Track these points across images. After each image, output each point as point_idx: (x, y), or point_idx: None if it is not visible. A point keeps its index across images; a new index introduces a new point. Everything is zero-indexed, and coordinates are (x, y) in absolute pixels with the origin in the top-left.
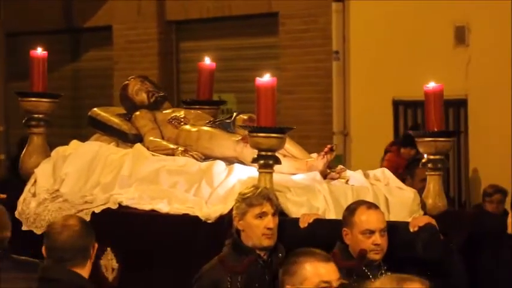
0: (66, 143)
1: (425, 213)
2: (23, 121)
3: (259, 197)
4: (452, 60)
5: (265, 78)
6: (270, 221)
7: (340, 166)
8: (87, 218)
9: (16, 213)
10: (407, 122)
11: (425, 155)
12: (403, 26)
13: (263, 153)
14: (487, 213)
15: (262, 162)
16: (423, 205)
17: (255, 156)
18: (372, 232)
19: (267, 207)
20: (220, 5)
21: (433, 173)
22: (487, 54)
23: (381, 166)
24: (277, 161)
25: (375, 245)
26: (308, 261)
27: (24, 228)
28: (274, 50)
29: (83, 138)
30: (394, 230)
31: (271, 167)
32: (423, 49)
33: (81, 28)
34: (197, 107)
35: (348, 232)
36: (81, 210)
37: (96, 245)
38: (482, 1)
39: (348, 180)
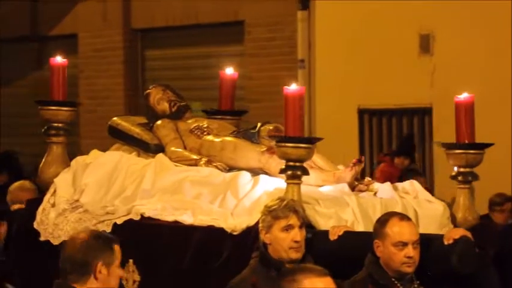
0: (29, 151)
1: (455, 227)
2: (43, 130)
3: (285, 209)
4: (417, 68)
5: (293, 87)
6: (297, 234)
7: (368, 178)
8: (108, 229)
9: (35, 224)
10: (373, 131)
11: (455, 168)
12: (368, 34)
13: (291, 163)
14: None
15: (290, 173)
16: (453, 219)
17: (283, 166)
18: (404, 244)
19: (294, 220)
20: (186, 14)
21: (463, 186)
22: (452, 63)
23: (374, 177)
24: (305, 172)
25: (407, 257)
26: (306, 277)
27: (42, 238)
28: (240, 58)
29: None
30: (427, 242)
31: (299, 178)
32: (388, 58)
33: (47, 36)
34: (219, 117)
35: (379, 244)
36: (102, 221)
37: (100, 264)
38: (446, 10)
39: (376, 193)
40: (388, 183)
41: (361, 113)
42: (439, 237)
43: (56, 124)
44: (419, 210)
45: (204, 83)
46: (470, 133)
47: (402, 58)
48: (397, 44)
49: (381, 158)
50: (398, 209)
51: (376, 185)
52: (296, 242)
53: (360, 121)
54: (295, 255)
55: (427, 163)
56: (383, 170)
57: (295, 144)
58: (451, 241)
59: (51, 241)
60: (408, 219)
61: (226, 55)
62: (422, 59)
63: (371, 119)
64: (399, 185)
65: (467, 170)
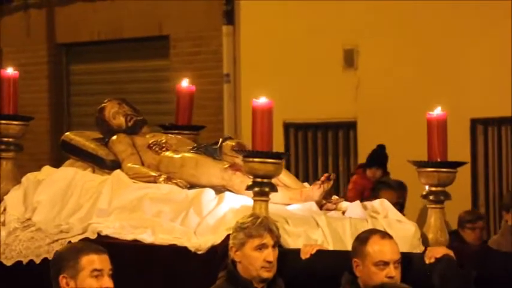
0: None
1: (425, 248)
2: None
3: (259, 227)
4: (341, 83)
5: (262, 100)
6: (270, 254)
7: (335, 197)
8: None
9: None
10: (298, 145)
11: (426, 187)
12: (293, 49)
13: (259, 180)
14: (492, 251)
15: (257, 189)
16: (424, 239)
17: (249, 183)
18: (386, 264)
19: (268, 239)
20: (111, 28)
21: (434, 205)
22: (375, 77)
23: (346, 190)
24: (274, 189)
25: (388, 277)
26: None
27: None
28: (166, 73)
29: None
30: (408, 261)
31: (267, 194)
32: (313, 72)
33: None
34: (176, 131)
35: (358, 263)
36: (56, 240)
37: (62, 276)
38: (370, 25)
39: (344, 212)
40: (357, 202)
41: (287, 127)
42: (420, 256)
43: (6, 139)
44: (389, 230)
45: (130, 97)
46: (443, 151)
47: (327, 73)
48: (322, 59)
49: (353, 171)
50: (366, 228)
51: (344, 204)
52: (269, 262)
53: (285, 135)
54: (266, 274)
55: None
56: (355, 182)
57: (263, 160)
58: (432, 260)
59: (3, 262)
60: (390, 237)
61: (151, 69)
62: (347, 74)
63: (296, 133)
64: (368, 203)
65: (439, 189)
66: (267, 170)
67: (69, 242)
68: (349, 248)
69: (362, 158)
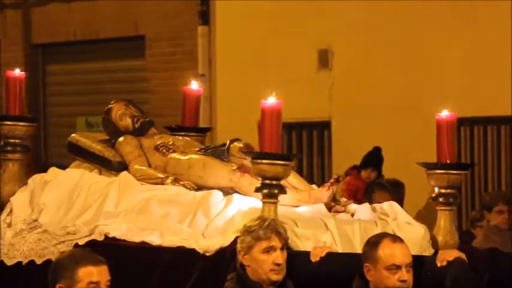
0: None
1: (436, 251)
2: None
3: (267, 230)
4: (316, 83)
5: (271, 101)
6: (279, 256)
7: (344, 199)
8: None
9: None
10: None
11: (436, 189)
12: (268, 49)
13: (267, 181)
14: (500, 253)
15: (266, 191)
16: (434, 242)
17: (258, 185)
18: (398, 267)
19: (275, 242)
20: (87, 29)
21: (444, 208)
22: (350, 77)
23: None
24: (283, 191)
25: (401, 281)
26: None
27: None
28: (142, 73)
29: None
30: (419, 264)
31: (276, 196)
32: (288, 73)
33: None
34: (183, 133)
35: (370, 268)
36: (63, 242)
37: (58, 286)
38: (343, 26)
39: (353, 214)
40: (366, 204)
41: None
42: (432, 259)
43: (12, 140)
44: (399, 233)
45: (106, 98)
46: (452, 153)
47: (301, 73)
48: (296, 59)
49: (347, 171)
50: (377, 231)
51: (353, 206)
52: (277, 264)
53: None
54: (275, 277)
55: (327, 176)
56: (349, 182)
57: (272, 161)
58: (444, 263)
59: (5, 261)
60: (401, 240)
61: (128, 69)
62: (321, 74)
63: None
64: (377, 206)
65: (449, 191)
66: (275, 172)
67: (76, 243)
68: (359, 250)
69: (336, 158)
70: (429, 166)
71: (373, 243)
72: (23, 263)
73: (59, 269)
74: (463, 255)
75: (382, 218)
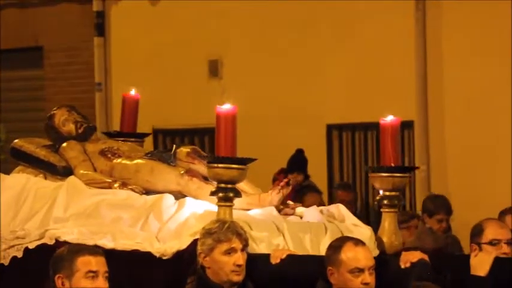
0: None
1: (381, 252)
2: None
3: (227, 232)
4: (207, 91)
5: (226, 106)
6: (240, 258)
7: (290, 202)
8: (19, 255)
9: None
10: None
11: (380, 191)
12: (161, 59)
13: (223, 185)
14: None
15: (221, 195)
16: (379, 243)
17: (213, 188)
18: (361, 270)
19: (236, 243)
20: None
21: (388, 210)
22: (239, 86)
23: None
24: (238, 194)
25: (364, 284)
26: None
27: None
28: (40, 82)
29: None
30: (382, 265)
31: (231, 200)
32: (180, 82)
33: None
34: (122, 139)
35: (333, 271)
36: (12, 246)
37: (57, 276)
38: (232, 38)
39: (301, 217)
40: (314, 207)
41: (156, 133)
42: (395, 260)
43: None
44: (346, 234)
45: (6, 105)
46: (396, 156)
47: (193, 81)
48: (188, 69)
49: (275, 176)
50: (326, 233)
51: (301, 209)
52: (238, 265)
53: (154, 141)
54: (236, 278)
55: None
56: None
57: (228, 165)
58: (408, 264)
59: None
60: (363, 244)
61: (26, 79)
62: (212, 83)
63: (165, 139)
64: (324, 208)
65: (393, 193)
66: (231, 176)
67: (26, 247)
68: (311, 252)
69: None
70: (373, 169)
71: (335, 247)
72: None
73: (58, 261)
74: (425, 257)
75: (330, 220)
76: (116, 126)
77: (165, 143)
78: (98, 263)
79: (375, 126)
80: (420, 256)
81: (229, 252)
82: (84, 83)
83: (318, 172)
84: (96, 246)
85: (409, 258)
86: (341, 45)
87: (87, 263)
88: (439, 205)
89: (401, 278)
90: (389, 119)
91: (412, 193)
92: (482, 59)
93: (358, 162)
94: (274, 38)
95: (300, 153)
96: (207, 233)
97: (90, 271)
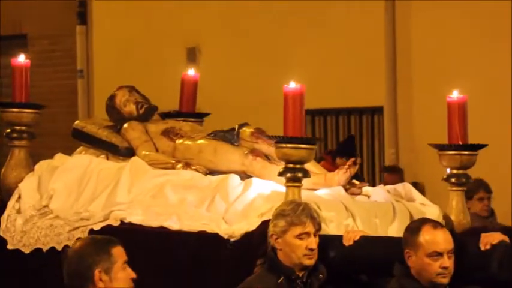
0: None
1: (450, 231)
2: (4, 134)
3: (301, 215)
4: None
5: (293, 85)
6: (313, 242)
7: (355, 181)
8: (84, 236)
9: (0, 232)
10: None
11: (448, 169)
12: (141, 47)
13: (291, 165)
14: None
15: (290, 175)
16: (448, 221)
17: (281, 169)
18: (439, 254)
19: (310, 227)
20: None
21: (456, 188)
22: (216, 73)
23: None
24: (306, 174)
25: (442, 268)
26: None
27: (9, 247)
28: None
29: None
30: (461, 248)
31: (299, 180)
32: (159, 69)
33: None
34: (181, 119)
35: (411, 254)
36: (77, 228)
37: (98, 271)
38: (210, 26)
39: (369, 196)
40: (381, 186)
41: None
42: (474, 243)
43: (18, 127)
44: (414, 214)
45: None
46: (464, 134)
47: (171, 69)
48: (167, 57)
49: (323, 155)
50: (393, 212)
51: (368, 188)
52: (311, 249)
53: None
54: (308, 262)
55: None
56: (323, 167)
57: (296, 145)
58: (488, 246)
59: (21, 249)
60: (442, 226)
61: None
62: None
63: None
64: (390, 187)
65: (461, 171)
66: (300, 156)
67: (91, 229)
68: (379, 231)
69: None
70: (442, 147)
71: (413, 229)
72: (44, 251)
73: (90, 255)
74: (506, 238)
75: (397, 199)
76: (97, 112)
77: None
78: (124, 252)
79: (347, 112)
80: (501, 237)
81: (303, 235)
82: (67, 70)
83: None
84: (161, 227)
85: (489, 240)
86: (313, 33)
87: (121, 253)
88: (476, 185)
89: (482, 261)
90: (456, 95)
91: (381, 176)
92: (449, 44)
93: (330, 147)
94: (251, 26)
95: (351, 138)
96: (280, 214)
97: (125, 261)
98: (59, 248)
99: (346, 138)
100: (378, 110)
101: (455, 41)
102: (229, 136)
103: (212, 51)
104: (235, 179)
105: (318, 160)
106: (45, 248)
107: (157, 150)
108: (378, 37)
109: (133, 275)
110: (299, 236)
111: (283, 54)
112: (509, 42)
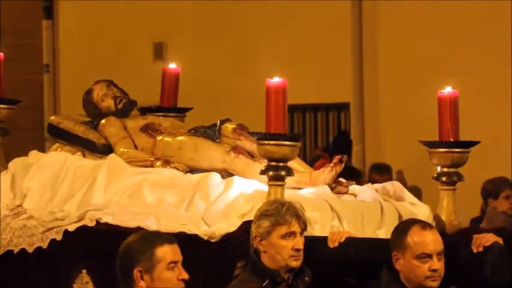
0: None
1: (441, 232)
2: None
3: (286, 214)
4: (152, 73)
5: (276, 80)
6: (299, 242)
7: (341, 179)
8: (58, 237)
9: None
10: None
11: (438, 168)
12: (107, 42)
13: (273, 163)
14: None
15: (272, 173)
16: (437, 222)
17: (263, 167)
18: (428, 256)
19: (296, 226)
20: None
21: (447, 187)
22: (184, 69)
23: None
24: (290, 173)
25: (432, 270)
26: None
27: None
28: None
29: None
30: (452, 250)
31: (283, 179)
32: (126, 64)
33: None
34: (161, 114)
35: (399, 256)
36: (51, 228)
37: (137, 270)
38: (177, 21)
39: (356, 195)
40: (369, 185)
41: None
42: (466, 245)
43: None
44: (403, 214)
45: None
46: (455, 130)
47: (138, 64)
48: (133, 52)
49: (320, 153)
50: (380, 212)
51: (355, 187)
52: (297, 250)
53: None
54: (295, 263)
55: None
56: (321, 165)
57: (279, 142)
58: (481, 249)
59: None
60: (431, 227)
61: None
62: (157, 65)
63: None
64: (379, 186)
65: (452, 170)
66: (283, 153)
67: (66, 230)
68: (366, 233)
69: None
70: (432, 144)
71: (401, 230)
72: (15, 252)
73: (132, 254)
74: (500, 240)
75: (385, 198)
76: (63, 106)
77: None
78: (176, 252)
79: (313, 108)
80: (494, 239)
81: (288, 235)
82: (33, 65)
83: None
84: (138, 228)
85: (482, 242)
86: (280, 27)
87: (167, 253)
88: (501, 182)
89: (474, 263)
90: (447, 90)
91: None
92: (416, 40)
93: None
94: (219, 20)
95: (344, 134)
96: (264, 214)
97: (172, 262)
98: (30, 250)
99: (339, 135)
100: (344, 107)
101: (422, 37)
102: (211, 132)
103: (179, 47)
104: (216, 177)
105: (314, 158)
106: (16, 250)
107: (136, 147)
108: (343, 33)
109: (185, 276)
110: (284, 237)
111: (249, 52)
112: (481, 38)
